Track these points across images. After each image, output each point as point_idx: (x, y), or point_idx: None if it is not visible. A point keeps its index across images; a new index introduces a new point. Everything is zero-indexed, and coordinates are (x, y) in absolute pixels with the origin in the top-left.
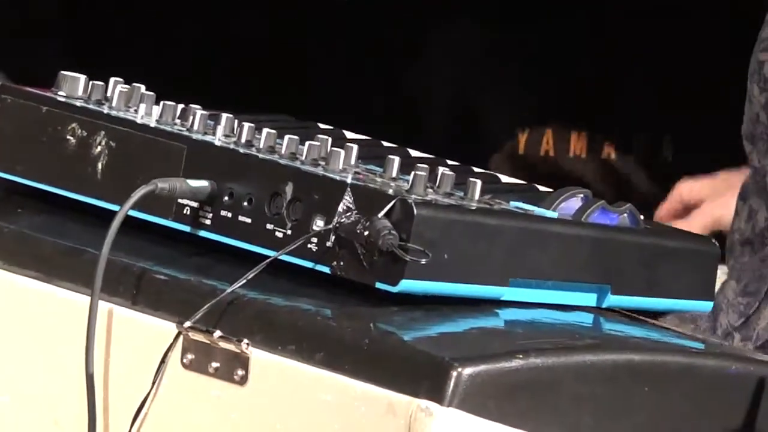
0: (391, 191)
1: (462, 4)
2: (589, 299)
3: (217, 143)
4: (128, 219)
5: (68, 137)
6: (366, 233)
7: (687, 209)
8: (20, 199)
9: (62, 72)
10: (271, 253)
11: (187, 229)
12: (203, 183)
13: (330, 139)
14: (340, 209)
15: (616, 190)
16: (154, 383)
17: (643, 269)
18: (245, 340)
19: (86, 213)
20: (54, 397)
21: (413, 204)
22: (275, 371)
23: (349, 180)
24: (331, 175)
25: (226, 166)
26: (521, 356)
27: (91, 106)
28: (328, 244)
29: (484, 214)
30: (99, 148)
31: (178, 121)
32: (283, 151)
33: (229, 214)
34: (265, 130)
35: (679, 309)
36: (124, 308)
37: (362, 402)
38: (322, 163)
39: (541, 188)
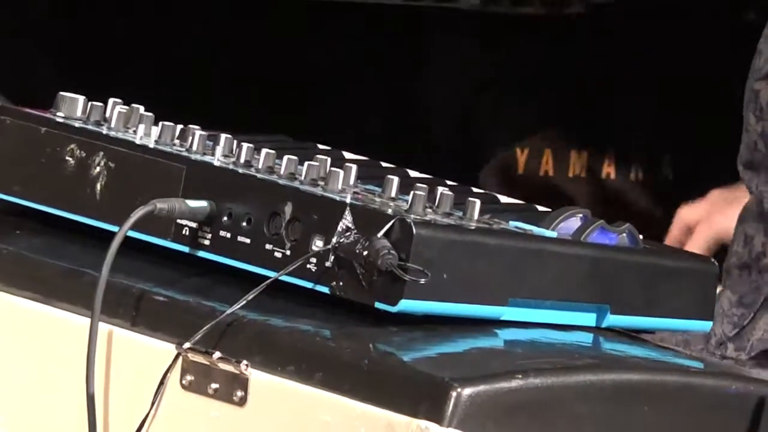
0: (390, 211)
1: (462, 24)
2: (589, 319)
3: (216, 163)
4: (127, 240)
5: (67, 158)
6: (365, 253)
7: (692, 232)
8: (19, 221)
9: (61, 93)
10: (271, 274)
11: (186, 249)
12: (202, 203)
13: (329, 160)
14: (339, 229)
15: (616, 210)
16: (153, 404)
17: (643, 289)
18: (244, 361)
19: (85, 234)
20: (54, 418)
21: (412, 224)
22: (275, 392)
23: (348, 200)
24: (330, 195)
25: (225, 187)
26: (520, 376)
27: (89, 127)
28: (328, 264)
29: (484, 233)
30: (98, 169)
31: (177, 141)
32: (282, 172)
33: (228, 235)
34: (264, 151)
35: (679, 328)
36: (124, 329)
37: (362, 422)
38: (321, 183)
39: (540, 208)
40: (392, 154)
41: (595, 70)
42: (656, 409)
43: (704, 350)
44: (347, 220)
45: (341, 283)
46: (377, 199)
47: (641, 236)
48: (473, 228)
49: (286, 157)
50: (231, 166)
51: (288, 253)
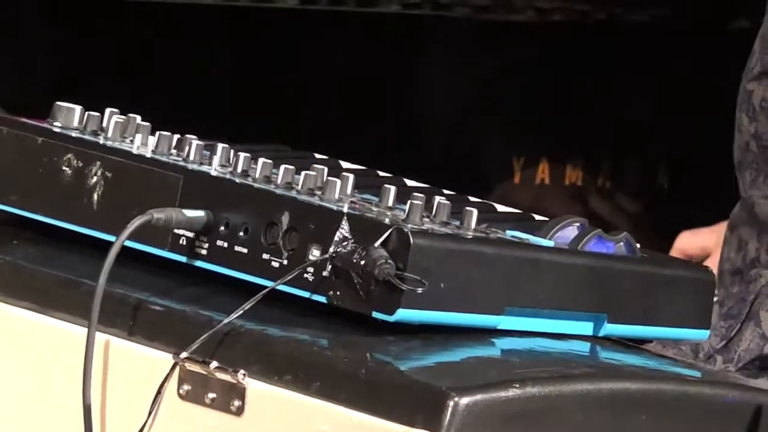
0: (387, 220)
1: (458, 35)
2: (586, 328)
3: (213, 173)
4: (124, 249)
5: (64, 168)
6: (362, 262)
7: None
8: (16, 230)
9: (57, 103)
10: (268, 283)
11: (183, 259)
12: (199, 213)
13: (326, 169)
14: (336, 238)
15: (612, 219)
16: (150, 414)
17: (640, 298)
18: (242, 371)
19: (82, 244)
20: (51, 428)
21: (410, 233)
22: (272, 402)
23: (345, 209)
24: (327, 205)
25: (222, 196)
26: (518, 385)
27: (86, 137)
28: (325, 273)
29: (481, 243)
30: (95, 179)
31: (174, 151)
32: (279, 181)
33: (225, 244)
34: (261, 160)
35: (676, 337)
36: (121, 339)
37: None
38: (318, 192)
39: (537, 217)
40: (389, 163)
41: (591, 80)
42: (653, 417)
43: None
44: (344, 230)
45: (338, 293)
46: (374, 209)
47: (638, 245)
48: (470, 237)
49: (283, 167)
50: (228, 176)
51: (285, 262)
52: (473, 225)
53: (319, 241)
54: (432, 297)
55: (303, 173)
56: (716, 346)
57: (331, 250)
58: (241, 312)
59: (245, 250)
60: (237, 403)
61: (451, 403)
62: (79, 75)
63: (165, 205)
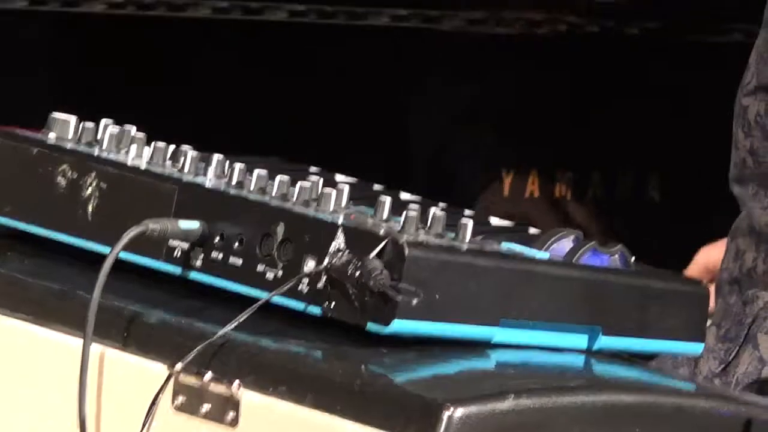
0: (382, 232)
1: (447, 48)
2: (581, 340)
3: (208, 184)
4: (119, 261)
5: (59, 179)
6: (357, 274)
7: (711, 274)
8: (10, 242)
9: (53, 114)
10: (263, 295)
11: (178, 270)
12: (194, 224)
13: (321, 180)
14: (331, 250)
15: (604, 232)
16: (144, 425)
17: (635, 310)
18: (236, 382)
19: (77, 255)
20: None
21: (405, 244)
22: (266, 413)
23: (340, 221)
24: (322, 216)
25: (217, 208)
26: (512, 397)
27: (81, 148)
28: (320, 285)
29: (476, 255)
30: (89, 190)
31: (169, 162)
32: (274, 192)
33: (220, 256)
34: (256, 171)
35: (670, 350)
36: (116, 351)
37: None
38: (314, 204)
39: (532, 230)
40: (376, 173)
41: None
42: (648, 430)
43: None
44: (339, 241)
45: (333, 304)
46: (369, 220)
47: (633, 257)
48: (465, 249)
49: (278, 178)
50: (223, 187)
51: (280, 274)
52: (468, 237)
53: (314, 252)
54: (427, 308)
55: (298, 185)
56: (715, 370)
57: (326, 261)
58: (236, 324)
59: (240, 262)
60: (231, 414)
61: (446, 415)
62: (83, 86)
63: (160, 216)
